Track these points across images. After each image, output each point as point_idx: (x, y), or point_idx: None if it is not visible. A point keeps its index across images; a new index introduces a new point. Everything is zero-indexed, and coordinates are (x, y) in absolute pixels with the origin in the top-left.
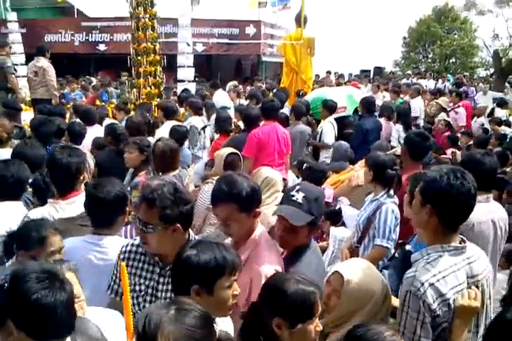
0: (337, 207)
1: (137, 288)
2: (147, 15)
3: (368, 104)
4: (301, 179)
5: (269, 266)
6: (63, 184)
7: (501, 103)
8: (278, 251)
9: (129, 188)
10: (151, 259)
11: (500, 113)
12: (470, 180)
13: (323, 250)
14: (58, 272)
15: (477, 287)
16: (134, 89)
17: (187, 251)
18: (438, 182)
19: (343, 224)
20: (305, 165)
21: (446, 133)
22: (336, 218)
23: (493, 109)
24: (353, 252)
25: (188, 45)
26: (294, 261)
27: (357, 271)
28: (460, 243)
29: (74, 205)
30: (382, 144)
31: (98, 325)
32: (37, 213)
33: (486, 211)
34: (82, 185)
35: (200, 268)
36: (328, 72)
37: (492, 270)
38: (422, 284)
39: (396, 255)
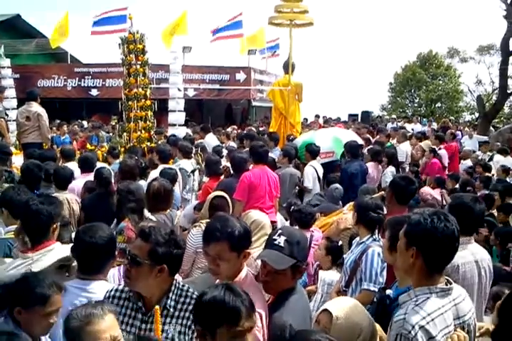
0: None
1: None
2: (139, 62)
3: (351, 149)
4: (289, 221)
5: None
6: (34, 233)
7: (501, 150)
8: (262, 294)
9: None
10: (134, 305)
11: (500, 158)
12: (453, 223)
13: (312, 294)
14: None
15: (463, 328)
16: (125, 133)
17: (204, 291)
18: (422, 225)
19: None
20: (293, 207)
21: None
22: (337, 253)
23: (492, 155)
24: (341, 296)
25: (179, 90)
26: (279, 305)
27: (344, 308)
28: (446, 284)
29: (47, 256)
30: (369, 187)
31: None
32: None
33: (469, 252)
34: (55, 235)
35: (201, 309)
36: (317, 116)
37: (478, 310)
38: (413, 327)
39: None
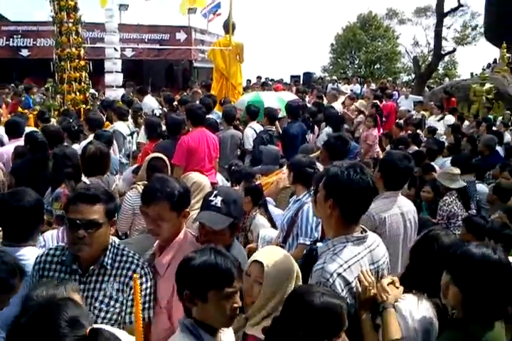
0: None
1: None
2: (71, 20)
3: (292, 109)
4: (230, 182)
5: None
6: None
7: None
8: None
9: (50, 199)
10: (68, 268)
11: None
12: (368, 175)
13: (253, 251)
14: None
15: (377, 272)
16: (58, 96)
17: (190, 255)
18: (339, 177)
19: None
20: (233, 168)
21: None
22: (256, 194)
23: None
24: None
25: (116, 50)
26: None
27: (273, 257)
28: (361, 233)
29: None
30: (308, 147)
31: None
32: None
33: (396, 205)
34: None
35: (192, 273)
36: (259, 78)
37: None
38: (331, 275)
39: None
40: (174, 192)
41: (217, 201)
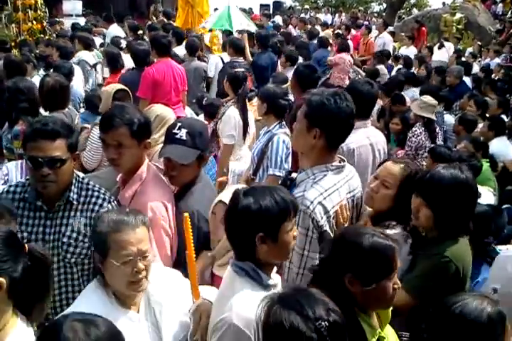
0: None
1: (19, 235)
2: None
3: (261, 39)
4: (202, 115)
5: (155, 199)
6: None
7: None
8: (166, 185)
9: (9, 137)
10: (31, 205)
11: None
12: (351, 101)
13: (224, 184)
14: None
15: (353, 201)
16: (13, 25)
17: (243, 200)
18: (327, 106)
19: None
20: (205, 100)
21: None
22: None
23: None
24: (249, 184)
25: None
26: (184, 195)
27: None
28: (339, 162)
29: None
30: (282, 76)
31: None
32: None
33: (365, 136)
34: None
35: (264, 215)
36: None
37: None
38: (312, 202)
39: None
40: (133, 119)
41: (182, 133)
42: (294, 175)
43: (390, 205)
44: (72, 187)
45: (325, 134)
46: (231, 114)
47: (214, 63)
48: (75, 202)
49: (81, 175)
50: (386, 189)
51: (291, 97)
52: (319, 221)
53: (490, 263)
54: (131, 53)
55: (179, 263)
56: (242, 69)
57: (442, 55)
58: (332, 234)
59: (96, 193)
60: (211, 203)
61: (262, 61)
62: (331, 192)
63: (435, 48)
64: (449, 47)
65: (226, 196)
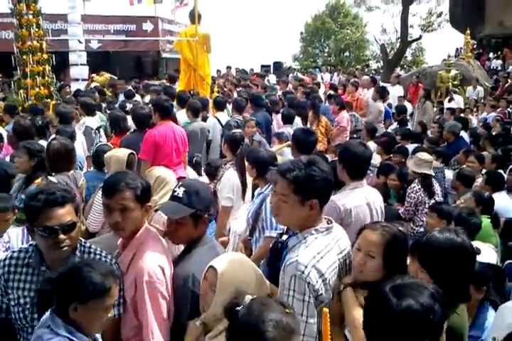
0: None
1: (22, 301)
2: (30, 12)
3: (255, 99)
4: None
5: (152, 262)
6: None
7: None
8: (165, 248)
9: (23, 196)
10: (35, 269)
11: None
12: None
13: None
14: None
15: (345, 260)
16: (21, 90)
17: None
18: (315, 176)
19: None
20: (195, 159)
21: None
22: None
23: None
24: (246, 245)
25: (80, 42)
26: (184, 256)
27: (229, 263)
28: (327, 223)
29: None
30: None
31: None
32: None
33: (362, 195)
34: None
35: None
36: (228, 68)
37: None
38: (306, 266)
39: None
40: (137, 183)
41: (180, 191)
42: (284, 237)
43: (382, 274)
44: (77, 252)
45: (319, 202)
46: (229, 176)
47: (211, 124)
48: None
49: (83, 240)
50: (372, 259)
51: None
52: (315, 285)
53: None
54: (133, 116)
55: (175, 327)
56: (239, 130)
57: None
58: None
59: (98, 256)
60: None
61: (257, 119)
62: (323, 254)
63: (445, 101)
64: (458, 100)
65: (218, 261)
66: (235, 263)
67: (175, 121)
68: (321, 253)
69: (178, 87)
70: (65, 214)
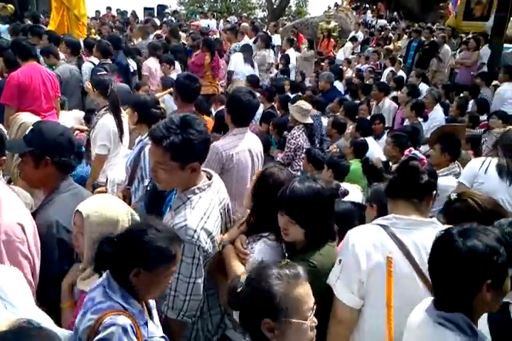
0: None
1: None
2: None
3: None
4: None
5: (9, 219)
6: None
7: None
8: (22, 203)
9: None
10: None
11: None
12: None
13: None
14: None
15: (225, 209)
16: None
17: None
18: (195, 141)
19: None
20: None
21: None
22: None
23: None
24: (126, 195)
25: None
26: (44, 205)
27: (94, 205)
28: (208, 178)
29: None
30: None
31: None
32: None
33: (244, 142)
34: None
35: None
36: (109, 8)
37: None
38: (195, 231)
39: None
40: None
41: (28, 130)
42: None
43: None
44: None
45: (200, 162)
46: (104, 122)
47: (86, 69)
48: None
49: None
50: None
51: (162, 105)
52: (204, 246)
53: None
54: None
55: (42, 288)
56: (104, 73)
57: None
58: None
59: None
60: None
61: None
62: (209, 213)
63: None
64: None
65: (83, 205)
66: (100, 204)
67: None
68: (207, 212)
69: (49, 26)
70: None
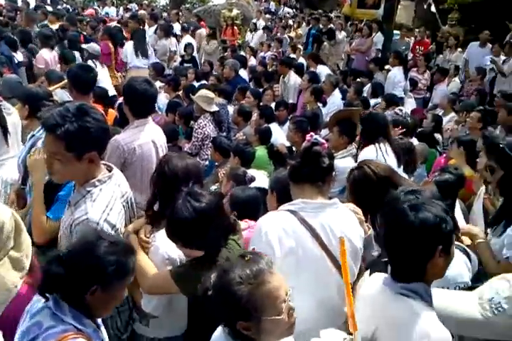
0: None
1: None
2: None
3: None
4: None
5: None
6: None
7: None
8: None
9: None
10: None
11: None
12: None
13: None
14: None
15: (128, 203)
16: None
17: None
18: (89, 129)
19: None
20: None
21: None
22: None
23: None
24: (19, 194)
25: None
26: None
27: None
28: (108, 170)
29: None
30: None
31: None
32: None
33: (146, 133)
34: None
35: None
36: None
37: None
38: (98, 223)
39: None
40: None
41: None
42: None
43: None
44: None
45: (98, 152)
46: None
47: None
48: None
49: None
50: None
51: (56, 98)
52: None
53: None
54: None
55: None
56: None
57: None
58: None
59: None
60: None
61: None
62: (111, 205)
63: None
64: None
65: None
66: None
67: None
68: (109, 204)
69: None
70: None
